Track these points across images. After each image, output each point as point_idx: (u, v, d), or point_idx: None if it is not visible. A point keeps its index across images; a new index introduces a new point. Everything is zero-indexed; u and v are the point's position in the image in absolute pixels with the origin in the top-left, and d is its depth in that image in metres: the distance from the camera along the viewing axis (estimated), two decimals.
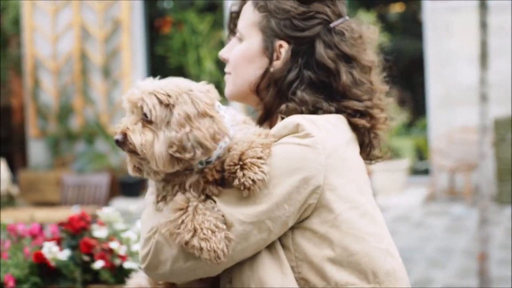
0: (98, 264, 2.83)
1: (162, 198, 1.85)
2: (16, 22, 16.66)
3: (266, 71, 1.94)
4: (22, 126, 19.58)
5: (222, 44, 12.99)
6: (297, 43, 1.91)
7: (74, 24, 12.55)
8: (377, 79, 1.97)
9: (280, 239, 1.82)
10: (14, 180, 15.36)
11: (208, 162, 1.82)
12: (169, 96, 1.79)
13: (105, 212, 2.93)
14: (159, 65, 13.48)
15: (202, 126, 1.78)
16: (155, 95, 1.79)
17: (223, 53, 2.02)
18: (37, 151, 12.96)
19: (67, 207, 7.81)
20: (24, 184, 12.83)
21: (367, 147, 1.95)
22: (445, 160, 11.30)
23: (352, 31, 1.94)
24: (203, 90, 1.84)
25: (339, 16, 1.95)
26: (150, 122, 1.79)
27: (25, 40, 12.59)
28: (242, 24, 1.99)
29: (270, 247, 1.83)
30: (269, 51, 1.93)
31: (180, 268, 1.82)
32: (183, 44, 12.66)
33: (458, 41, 11.21)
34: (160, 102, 1.78)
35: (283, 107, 1.91)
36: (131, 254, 2.85)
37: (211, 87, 1.87)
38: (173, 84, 1.82)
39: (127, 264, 2.83)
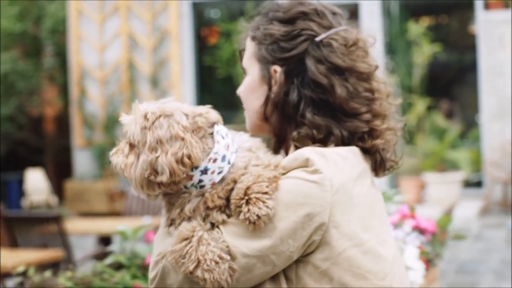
0: None
1: (171, 221, 1.90)
2: (54, 31, 16.69)
3: (267, 97, 1.96)
4: (55, 136, 19.58)
5: None
6: (287, 64, 1.94)
7: (122, 33, 12.58)
8: (379, 84, 1.97)
9: (284, 270, 1.86)
10: (52, 190, 15.33)
11: (201, 186, 1.86)
12: (147, 120, 1.84)
13: None
14: (207, 75, 13.47)
15: (171, 150, 1.81)
16: (137, 119, 1.85)
17: (238, 91, 2.05)
18: (83, 161, 12.96)
19: (132, 218, 7.80)
20: (70, 195, 12.80)
21: (381, 163, 1.97)
22: (499, 172, 11.23)
23: (344, 40, 1.94)
24: (194, 113, 1.87)
25: (328, 28, 1.96)
26: (133, 145, 1.85)
27: (71, 49, 12.62)
28: (245, 58, 2.04)
29: (274, 277, 1.87)
30: (266, 78, 1.96)
31: None
32: (233, 54, 12.65)
33: (511, 52, 11.16)
34: (141, 126, 1.83)
35: (294, 134, 1.93)
36: None
37: (208, 111, 1.88)
38: (157, 107, 1.86)
39: None
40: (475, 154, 12.02)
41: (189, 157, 1.82)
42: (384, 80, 2.00)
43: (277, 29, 1.96)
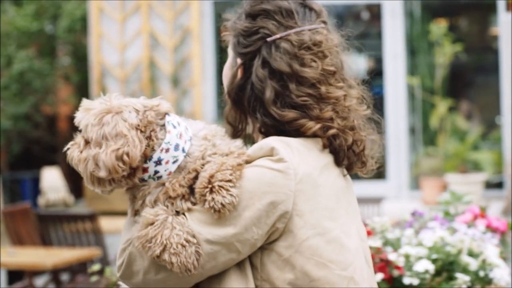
0: (377, 276, 2.78)
1: (136, 212, 1.96)
2: (70, 30, 16.73)
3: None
4: (70, 135, 19.44)
5: None
6: (244, 60, 2.03)
7: (143, 32, 12.63)
8: (331, 88, 1.99)
9: (249, 257, 1.91)
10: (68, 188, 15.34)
11: (158, 177, 1.92)
12: (96, 116, 1.91)
13: (377, 221, 2.91)
14: None
15: (112, 146, 1.86)
16: (89, 116, 1.92)
17: None
18: None
19: None
20: (89, 194, 12.83)
21: (342, 161, 2.01)
22: None
23: (298, 42, 1.97)
24: (145, 108, 1.94)
25: (289, 28, 1.99)
26: (88, 141, 1.92)
27: (92, 48, 12.64)
28: (229, 47, 2.14)
29: (239, 264, 1.91)
30: (233, 68, 2.06)
31: (151, 279, 1.90)
32: None
33: None
34: (91, 123, 1.90)
35: (258, 125, 2.01)
36: (409, 268, 2.82)
37: (159, 103, 1.98)
38: (107, 104, 1.93)
39: (407, 280, 2.79)
40: (497, 155, 12.05)
41: (128, 155, 1.86)
42: (349, 84, 2.05)
43: (241, 23, 2.05)
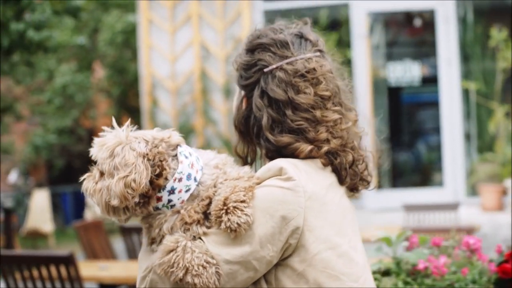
0: None
1: (152, 240, 2.06)
2: (111, 43, 16.80)
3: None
4: None
5: (347, 63, 13.01)
6: (247, 92, 2.18)
7: (194, 43, 12.71)
8: (325, 111, 2.12)
9: (264, 274, 2.01)
10: None
11: (172, 206, 2.03)
12: (108, 149, 2.03)
13: None
14: None
15: (119, 175, 1.98)
16: (102, 149, 2.04)
17: None
18: None
19: None
20: None
21: (345, 180, 2.13)
22: None
23: (293, 71, 2.12)
24: (155, 139, 2.05)
25: (285, 58, 2.15)
26: (103, 173, 2.03)
27: (142, 59, 12.71)
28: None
29: (255, 283, 2.02)
30: (239, 101, 2.23)
31: None
32: None
33: None
34: (104, 156, 2.02)
35: (264, 151, 2.15)
36: None
37: (170, 135, 2.08)
38: (118, 136, 2.05)
39: None
40: None
41: (134, 181, 1.98)
42: (346, 107, 2.18)
43: (242, 58, 2.23)
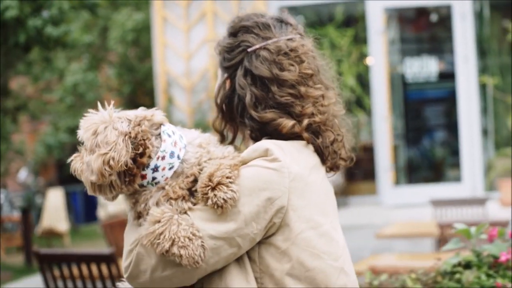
0: None
1: (138, 214, 2.12)
2: (122, 41, 16.76)
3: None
4: None
5: (363, 59, 12.93)
6: (229, 73, 2.24)
7: (209, 41, 12.58)
8: (310, 88, 2.20)
9: (247, 252, 2.08)
10: None
11: (156, 183, 2.10)
12: (91, 128, 2.10)
13: None
14: None
15: (99, 152, 2.04)
16: (86, 128, 2.12)
17: None
18: None
19: None
20: None
21: (327, 160, 2.20)
22: None
23: (276, 49, 2.20)
24: (138, 118, 2.11)
25: (267, 39, 2.23)
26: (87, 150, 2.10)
27: (157, 57, 12.71)
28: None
29: (238, 259, 2.09)
30: (222, 83, 2.27)
31: (158, 276, 2.06)
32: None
33: None
34: (87, 135, 2.10)
35: (248, 132, 2.22)
36: None
37: (154, 113, 2.14)
38: (101, 115, 2.12)
39: None
40: None
41: (113, 159, 2.03)
42: (326, 86, 2.25)
43: (224, 40, 2.30)
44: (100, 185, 2.08)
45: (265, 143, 2.11)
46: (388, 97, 12.46)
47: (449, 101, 12.72)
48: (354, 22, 13.35)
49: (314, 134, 2.19)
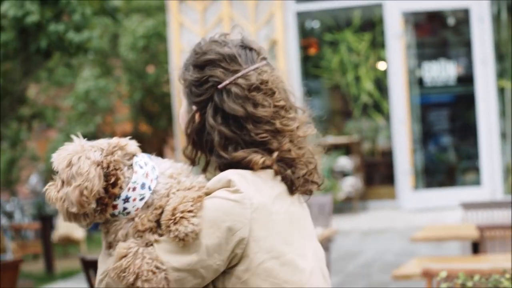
0: None
1: (109, 244, 2.18)
2: (133, 48, 16.74)
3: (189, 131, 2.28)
4: None
5: (380, 63, 12.89)
6: (200, 107, 2.21)
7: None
8: (285, 120, 2.18)
9: (213, 281, 2.12)
10: None
11: (127, 213, 2.15)
12: (65, 159, 2.14)
13: None
14: (313, 85, 13.60)
15: (75, 183, 2.10)
16: (60, 159, 2.17)
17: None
18: None
19: None
20: None
21: (295, 191, 2.20)
22: None
23: (247, 85, 2.17)
24: (112, 147, 2.15)
25: (235, 72, 2.19)
26: (63, 182, 2.15)
27: (173, 63, 12.69)
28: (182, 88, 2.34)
29: (204, 287, 2.14)
30: (190, 114, 2.24)
31: None
32: (340, 63, 12.73)
33: None
34: (62, 166, 2.14)
35: (218, 162, 2.22)
36: None
37: (127, 143, 2.18)
38: (74, 146, 2.16)
39: None
40: None
41: (86, 189, 2.10)
42: (297, 112, 2.23)
43: (190, 74, 2.23)
44: (76, 214, 2.14)
45: (228, 174, 2.13)
46: (406, 101, 12.47)
47: (467, 104, 12.74)
48: (371, 26, 13.38)
49: (286, 165, 2.19)
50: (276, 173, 2.16)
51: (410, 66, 12.85)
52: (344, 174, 13.06)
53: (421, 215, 11.95)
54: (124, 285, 2.08)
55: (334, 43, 13.56)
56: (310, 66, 13.70)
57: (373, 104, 13.35)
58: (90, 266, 5.27)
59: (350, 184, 12.70)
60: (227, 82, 2.18)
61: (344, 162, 12.97)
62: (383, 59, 12.98)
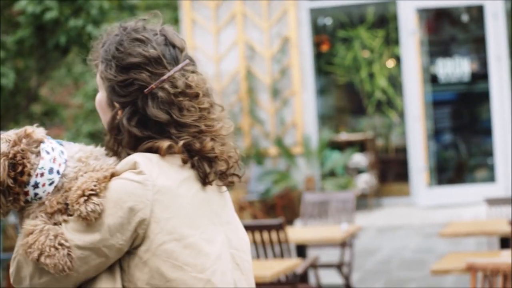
0: None
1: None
2: None
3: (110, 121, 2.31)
4: None
5: (395, 60, 12.91)
6: (122, 106, 2.23)
7: (239, 42, 12.70)
8: (207, 121, 2.22)
9: (120, 261, 2.19)
10: None
11: (39, 198, 2.22)
12: None
13: None
14: (327, 82, 13.57)
15: None
16: None
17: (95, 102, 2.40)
18: None
19: (310, 225, 8.35)
20: None
21: (207, 179, 2.24)
22: None
23: (174, 90, 2.19)
24: (19, 136, 2.22)
25: (161, 75, 2.20)
26: None
27: None
28: (97, 76, 2.31)
29: (111, 267, 2.20)
30: (111, 107, 2.27)
31: (36, 283, 2.20)
32: (353, 61, 12.74)
33: None
34: None
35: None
36: None
37: (34, 130, 2.24)
38: None
39: None
40: None
41: None
42: (216, 105, 2.28)
43: (114, 74, 2.23)
44: None
45: (135, 156, 2.18)
46: (421, 98, 12.50)
47: (480, 101, 12.75)
48: (385, 23, 13.39)
49: (205, 161, 2.22)
50: (184, 161, 2.20)
51: (423, 63, 12.86)
52: (359, 171, 13.10)
53: (436, 211, 11.98)
54: (31, 260, 2.15)
55: (347, 40, 13.58)
56: (323, 63, 13.80)
57: (387, 101, 13.37)
58: None
59: (365, 181, 12.72)
60: (152, 86, 2.19)
61: (359, 158, 13.01)
62: (397, 56, 13.00)
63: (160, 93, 2.17)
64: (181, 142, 2.19)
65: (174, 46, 2.26)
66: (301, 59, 13.00)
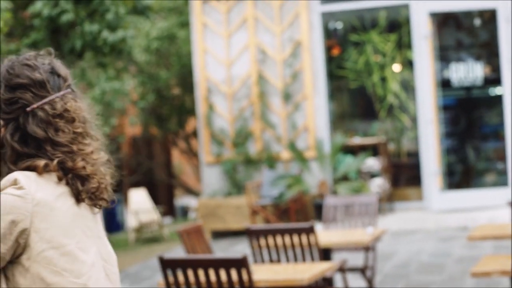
0: None
1: None
2: (147, 50, 16.67)
3: None
4: (131, 158, 19.46)
5: (408, 64, 12.90)
6: (6, 124, 2.41)
7: (250, 46, 12.72)
8: (80, 145, 2.41)
9: (4, 271, 2.35)
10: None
11: None
12: None
13: None
14: (339, 86, 13.53)
15: None
16: None
17: None
18: (211, 177, 12.92)
19: (335, 228, 8.44)
20: (201, 212, 12.77)
21: (79, 197, 2.42)
22: None
23: (52, 110, 2.40)
24: None
25: (43, 98, 2.40)
26: None
27: (197, 64, 12.65)
28: None
29: None
30: None
31: None
32: (366, 64, 12.70)
33: None
34: None
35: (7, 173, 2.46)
36: None
37: None
38: None
39: None
40: None
41: None
42: (92, 139, 2.46)
43: (2, 93, 2.42)
44: None
45: (15, 174, 2.36)
46: (434, 102, 12.49)
47: (493, 105, 12.75)
48: (397, 27, 13.38)
49: (78, 179, 2.42)
50: (59, 178, 2.40)
51: (435, 67, 12.85)
52: (372, 175, 13.07)
53: (450, 215, 11.99)
54: None
55: (359, 44, 13.57)
56: (334, 67, 13.88)
57: (398, 105, 13.36)
58: (168, 266, 5.20)
59: (378, 185, 12.73)
60: (34, 106, 2.40)
61: (372, 163, 13.00)
62: (410, 60, 12.99)
63: (40, 113, 2.38)
64: (55, 160, 2.39)
65: (59, 75, 2.47)
66: (313, 63, 13.08)
